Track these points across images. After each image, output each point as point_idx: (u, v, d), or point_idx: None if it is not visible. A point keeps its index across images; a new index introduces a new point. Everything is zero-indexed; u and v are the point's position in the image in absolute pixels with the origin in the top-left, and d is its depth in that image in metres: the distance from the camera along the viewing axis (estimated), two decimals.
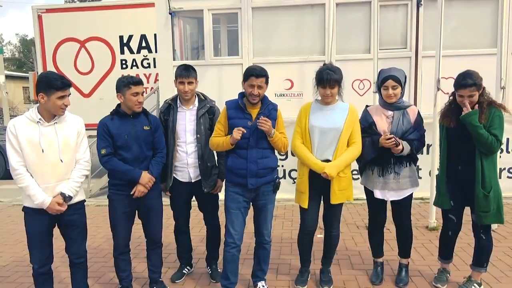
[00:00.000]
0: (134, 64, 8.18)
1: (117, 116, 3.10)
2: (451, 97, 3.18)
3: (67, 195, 2.76)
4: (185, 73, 3.31)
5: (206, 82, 5.47)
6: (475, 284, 3.23)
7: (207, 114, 3.39)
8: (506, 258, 3.90)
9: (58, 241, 2.96)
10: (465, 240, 4.18)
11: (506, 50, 4.80)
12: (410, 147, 3.12)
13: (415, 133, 3.16)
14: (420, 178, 3.36)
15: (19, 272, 3.94)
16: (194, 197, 3.55)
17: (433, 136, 4.23)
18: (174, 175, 3.42)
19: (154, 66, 8.04)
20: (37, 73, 8.68)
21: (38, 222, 2.76)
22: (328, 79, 3.01)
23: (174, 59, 6.42)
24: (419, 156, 3.37)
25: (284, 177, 6.30)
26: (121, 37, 8.13)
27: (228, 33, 7.01)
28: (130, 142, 3.06)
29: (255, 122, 2.97)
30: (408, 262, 3.51)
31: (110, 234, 3.23)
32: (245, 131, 2.93)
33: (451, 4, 5.62)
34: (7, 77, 20.29)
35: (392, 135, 3.08)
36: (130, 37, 8.12)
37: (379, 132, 3.18)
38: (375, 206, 3.38)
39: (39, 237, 2.78)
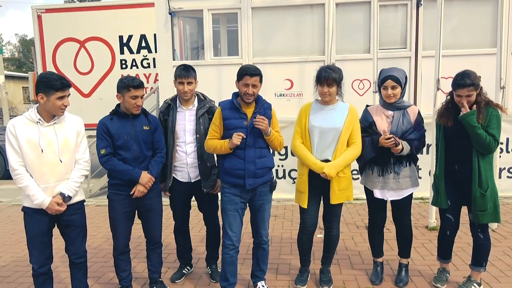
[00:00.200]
0: (134, 64, 8.18)
1: (116, 116, 3.10)
2: (448, 97, 3.19)
3: (66, 195, 2.76)
4: (185, 73, 3.31)
5: (205, 82, 5.46)
6: (474, 284, 3.23)
7: (206, 114, 3.38)
8: (505, 258, 3.91)
9: (58, 241, 2.97)
10: (465, 240, 4.18)
11: (506, 50, 4.79)
12: (410, 147, 3.12)
13: (415, 133, 3.16)
14: (420, 178, 3.36)
15: (18, 272, 3.94)
16: (194, 197, 3.55)
17: (433, 136, 4.23)
18: (173, 175, 3.42)
19: (154, 66, 8.04)
20: (37, 73, 8.68)
21: (38, 222, 2.76)
22: (326, 77, 3.01)
23: (173, 59, 6.43)
24: (419, 156, 3.37)
25: (284, 177, 6.30)
26: (120, 37, 8.13)
27: (228, 33, 7.01)
28: (129, 142, 3.06)
29: (251, 121, 2.97)
30: (408, 262, 3.51)
31: (110, 234, 3.23)
32: (244, 136, 2.93)
33: (450, 4, 5.62)
34: (7, 77, 20.33)
35: (392, 135, 3.08)
36: (130, 37, 8.12)
37: (379, 132, 3.18)
38: (375, 206, 3.38)
39: (39, 237, 2.78)
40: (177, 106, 3.40)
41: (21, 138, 2.64)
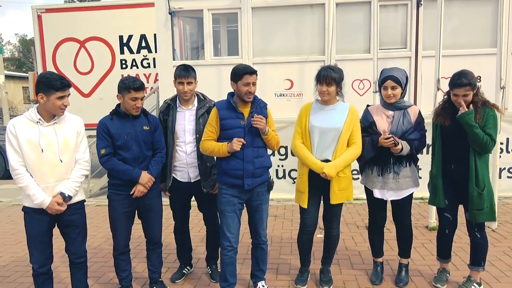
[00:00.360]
0: (134, 64, 8.18)
1: (116, 116, 3.10)
2: (445, 96, 3.20)
3: (66, 195, 2.76)
4: (184, 73, 3.31)
5: (205, 82, 5.46)
6: (474, 284, 3.23)
7: (206, 114, 3.37)
8: (506, 258, 3.91)
9: (58, 241, 2.96)
10: (465, 240, 4.17)
11: (506, 50, 4.79)
12: (410, 147, 3.12)
13: (415, 133, 3.16)
14: (421, 178, 3.35)
15: (18, 272, 3.94)
16: (193, 197, 3.55)
17: None
18: (173, 175, 3.41)
19: (154, 66, 8.04)
20: (37, 73, 8.68)
21: (38, 222, 2.76)
22: (325, 76, 3.02)
23: (174, 59, 6.42)
24: (419, 156, 3.36)
25: (284, 177, 6.30)
26: (120, 37, 8.13)
27: (228, 33, 7.01)
28: (129, 142, 3.06)
29: (248, 120, 2.97)
30: (408, 262, 3.51)
31: (110, 234, 3.23)
32: (245, 142, 2.93)
33: (451, 4, 5.62)
34: (7, 77, 20.33)
35: (391, 135, 3.08)
36: (130, 37, 8.12)
37: (379, 132, 3.18)
38: (375, 206, 3.38)
39: (39, 237, 2.78)
40: (177, 106, 3.40)
41: (21, 138, 2.64)
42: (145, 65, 8.16)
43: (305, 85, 6.07)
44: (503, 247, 4.17)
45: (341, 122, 3.09)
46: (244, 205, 3.16)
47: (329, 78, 3.02)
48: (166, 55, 6.39)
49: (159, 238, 3.34)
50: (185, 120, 3.37)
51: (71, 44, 8.26)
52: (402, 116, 3.18)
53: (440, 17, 4.50)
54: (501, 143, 5.80)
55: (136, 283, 3.52)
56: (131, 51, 8.16)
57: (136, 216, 3.25)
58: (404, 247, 3.45)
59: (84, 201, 2.98)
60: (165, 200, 3.37)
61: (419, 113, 3.23)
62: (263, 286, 3.29)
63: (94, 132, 3.17)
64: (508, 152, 5.98)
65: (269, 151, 3.22)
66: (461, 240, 4.17)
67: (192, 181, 3.41)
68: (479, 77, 5.82)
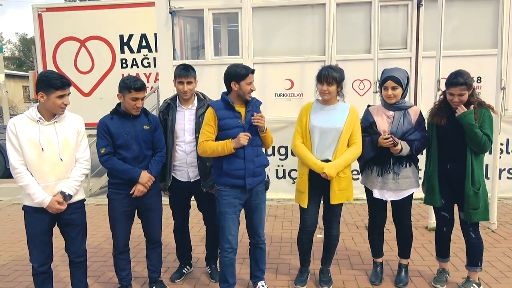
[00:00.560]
0: (134, 63, 8.18)
1: (116, 115, 3.10)
2: (441, 96, 3.21)
3: (67, 194, 2.76)
4: (184, 72, 3.31)
5: (206, 81, 5.46)
6: (474, 284, 3.24)
7: None
8: (505, 258, 3.91)
9: (58, 240, 2.96)
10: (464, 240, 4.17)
11: (506, 51, 4.79)
12: (410, 148, 3.12)
13: (415, 134, 3.16)
14: (421, 178, 3.35)
15: (18, 271, 3.94)
16: (193, 197, 3.54)
17: None
18: (173, 174, 3.41)
19: (154, 66, 8.04)
20: (37, 72, 8.68)
21: (38, 221, 2.76)
22: (326, 75, 3.03)
23: (174, 59, 6.42)
24: (419, 156, 3.36)
25: (284, 177, 6.30)
26: (121, 36, 8.13)
27: (229, 33, 7.01)
28: (129, 141, 3.06)
29: (246, 119, 2.97)
30: (408, 263, 3.51)
31: (110, 233, 3.23)
32: (251, 136, 2.92)
33: (451, 5, 5.61)
34: (7, 76, 20.33)
35: (390, 135, 3.08)
36: (130, 36, 8.11)
37: (379, 132, 3.18)
38: (375, 206, 3.38)
39: (39, 236, 2.78)
40: (177, 105, 3.40)
41: (22, 136, 2.64)
42: (146, 64, 8.16)
43: (306, 85, 6.07)
44: (502, 248, 4.17)
45: (342, 122, 3.09)
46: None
47: (330, 77, 3.02)
48: (167, 54, 6.39)
49: (158, 238, 3.34)
50: (185, 120, 3.37)
51: (71, 43, 8.26)
52: (403, 116, 3.18)
53: (441, 17, 4.50)
54: (501, 144, 5.80)
55: (135, 283, 3.52)
56: (131, 51, 8.16)
57: (136, 216, 3.25)
58: (404, 248, 3.45)
59: (84, 200, 2.98)
60: (165, 200, 3.36)
61: (420, 113, 3.23)
62: (262, 286, 3.29)
63: (94, 131, 3.16)
64: (508, 153, 5.98)
65: (269, 151, 3.22)
66: (461, 240, 4.14)
67: (192, 180, 3.41)
68: (479, 78, 5.82)
